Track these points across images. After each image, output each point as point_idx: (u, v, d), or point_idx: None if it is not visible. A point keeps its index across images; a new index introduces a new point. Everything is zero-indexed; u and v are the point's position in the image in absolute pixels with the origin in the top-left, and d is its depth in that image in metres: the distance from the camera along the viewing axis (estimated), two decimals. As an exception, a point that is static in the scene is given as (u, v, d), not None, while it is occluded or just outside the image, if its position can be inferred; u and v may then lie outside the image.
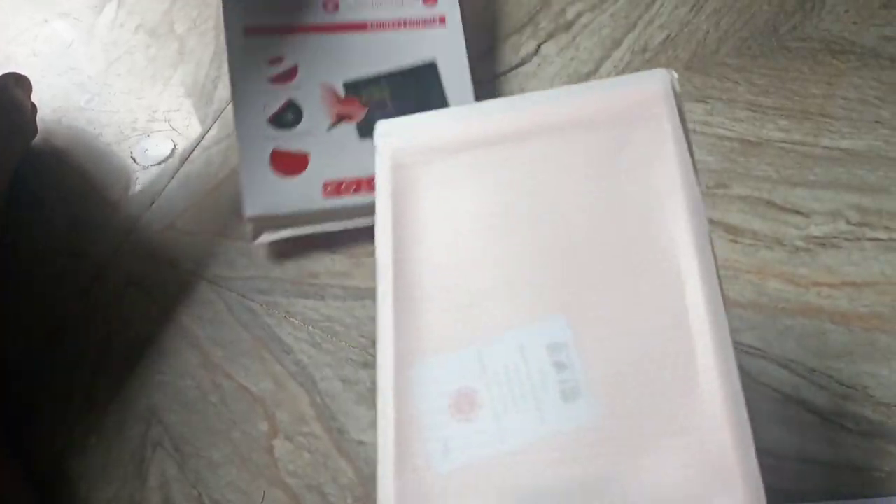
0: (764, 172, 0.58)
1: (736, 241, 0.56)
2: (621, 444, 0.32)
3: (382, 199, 0.38)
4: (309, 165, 0.54)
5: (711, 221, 0.56)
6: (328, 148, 0.55)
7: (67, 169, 0.62)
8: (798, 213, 0.57)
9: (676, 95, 0.37)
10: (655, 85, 0.37)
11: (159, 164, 0.62)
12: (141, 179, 0.61)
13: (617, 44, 0.66)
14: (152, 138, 0.63)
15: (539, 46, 0.66)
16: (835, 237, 0.55)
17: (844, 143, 0.59)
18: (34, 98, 0.62)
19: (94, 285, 0.56)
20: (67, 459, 0.50)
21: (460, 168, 0.39)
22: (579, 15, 0.68)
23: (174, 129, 0.64)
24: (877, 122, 0.60)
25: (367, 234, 0.54)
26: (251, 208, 0.53)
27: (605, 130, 0.38)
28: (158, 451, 0.50)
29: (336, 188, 0.53)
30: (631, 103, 0.38)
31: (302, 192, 0.54)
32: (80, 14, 0.71)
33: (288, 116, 0.55)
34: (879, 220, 0.56)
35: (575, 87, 0.39)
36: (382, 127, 0.38)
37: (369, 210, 0.54)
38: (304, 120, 0.56)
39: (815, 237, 0.55)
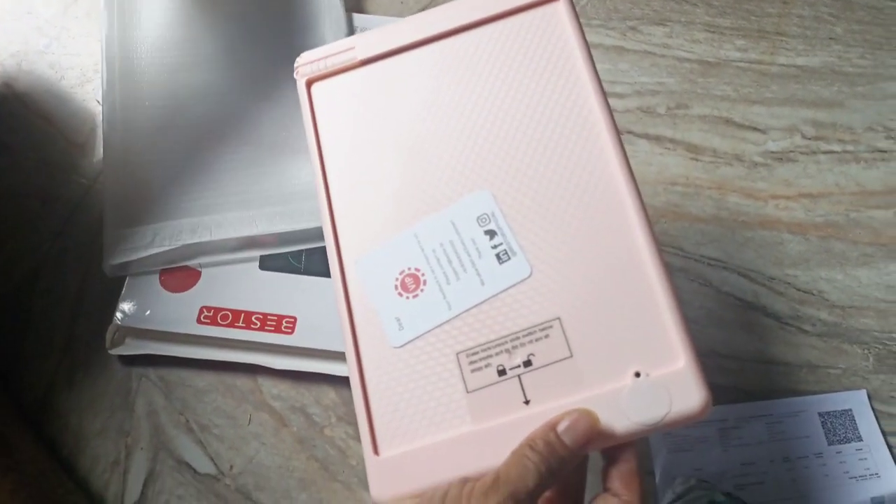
0: (723, 92, 0.60)
1: (697, 160, 0.57)
2: (558, 290, 0.35)
3: (306, 115, 0.41)
4: (196, 286, 0.52)
5: (672, 141, 0.58)
6: (223, 271, 0.52)
7: (32, 114, 0.61)
8: (756, 129, 0.58)
9: None
10: None
11: (125, 105, 0.62)
12: (107, 121, 0.61)
13: (577, -30, 0.66)
14: (116, 79, 0.63)
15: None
16: (791, 151, 0.57)
17: (800, 61, 0.61)
18: (-8, 43, 0.61)
19: (67, 227, 0.56)
20: (56, 395, 0.50)
21: (374, 77, 0.40)
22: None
23: (138, 70, 0.63)
24: (830, 38, 0.61)
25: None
26: (123, 317, 0.51)
27: (502, 21, 0.39)
28: (144, 382, 0.51)
29: (213, 316, 0.51)
30: None
31: (179, 312, 0.51)
32: (32, -44, 0.70)
33: None
34: (834, 133, 0.58)
35: None
36: (302, 58, 0.41)
37: (240, 345, 0.50)
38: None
39: (773, 152, 0.57)
